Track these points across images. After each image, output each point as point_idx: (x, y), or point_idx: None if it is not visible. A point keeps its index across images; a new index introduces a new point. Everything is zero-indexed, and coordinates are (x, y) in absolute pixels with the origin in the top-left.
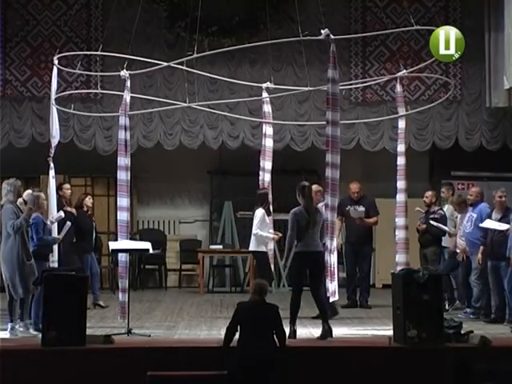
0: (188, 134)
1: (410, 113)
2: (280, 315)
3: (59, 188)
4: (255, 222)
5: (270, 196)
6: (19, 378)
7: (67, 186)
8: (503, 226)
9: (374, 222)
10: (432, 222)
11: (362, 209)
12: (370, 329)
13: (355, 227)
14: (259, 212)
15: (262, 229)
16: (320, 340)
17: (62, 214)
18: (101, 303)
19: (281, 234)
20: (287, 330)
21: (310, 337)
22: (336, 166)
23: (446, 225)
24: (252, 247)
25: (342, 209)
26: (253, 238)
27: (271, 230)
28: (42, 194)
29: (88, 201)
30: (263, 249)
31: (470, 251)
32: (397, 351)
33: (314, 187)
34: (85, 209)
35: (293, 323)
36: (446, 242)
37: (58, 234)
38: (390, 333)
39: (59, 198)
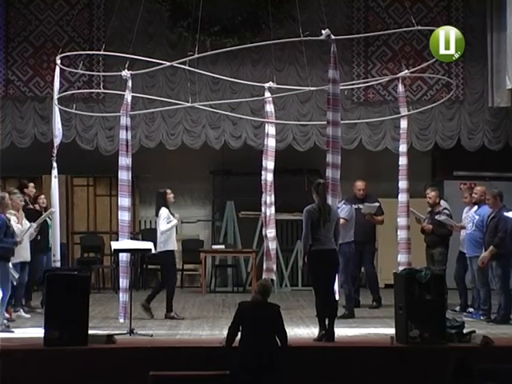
0: (190, 133)
1: (412, 113)
2: (281, 315)
3: (25, 186)
4: (160, 221)
5: (172, 195)
6: (21, 377)
7: (31, 184)
8: None
9: (382, 221)
10: (439, 217)
11: (376, 204)
12: (372, 328)
13: (361, 226)
14: (164, 211)
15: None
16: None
17: (52, 209)
18: None
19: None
20: (316, 334)
21: (312, 336)
22: (337, 166)
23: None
24: (161, 248)
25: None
26: (161, 238)
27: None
28: (7, 195)
29: (40, 201)
30: (172, 248)
31: (468, 252)
32: (399, 351)
33: None
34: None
35: (322, 327)
36: None
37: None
38: (392, 332)
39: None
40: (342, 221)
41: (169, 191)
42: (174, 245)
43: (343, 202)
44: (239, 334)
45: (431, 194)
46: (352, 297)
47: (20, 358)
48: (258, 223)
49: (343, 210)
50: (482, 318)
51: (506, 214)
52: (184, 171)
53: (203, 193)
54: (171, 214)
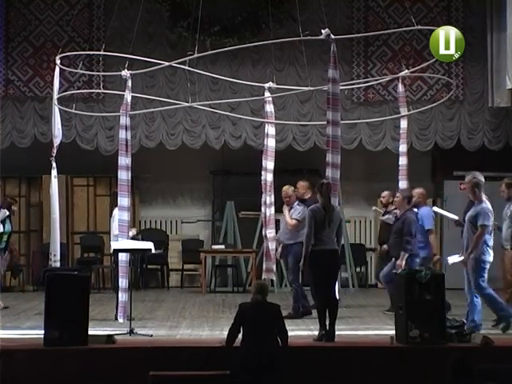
0: (190, 133)
1: (412, 113)
2: (282, 314)
3: None
4: (114, 223)
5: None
6: (21, 377)
7: None
8: (454, 216)
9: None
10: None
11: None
12: (372, 328)
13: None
14: (116, 212)
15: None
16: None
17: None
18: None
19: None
20: (316, 334)
21: (312, 336)
22: (336, 166)
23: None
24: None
25: None
26: (113, 239)
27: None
28: None
29: None
30: None
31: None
32: (399, 351)
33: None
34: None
35: (322, 327)
36: None
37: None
38: (392, 333)
39: None
40: (293, 221)
41: None
42: None
43: (297, 202)
44: (240, 335)
45: (384, 193)
46: (300, 296)
47: (20, 358)
48: (258, 223)
49: (296, 211)
50: None
51: (433, 208)
52: (184, 171)
53: (203, 193)
54: None
